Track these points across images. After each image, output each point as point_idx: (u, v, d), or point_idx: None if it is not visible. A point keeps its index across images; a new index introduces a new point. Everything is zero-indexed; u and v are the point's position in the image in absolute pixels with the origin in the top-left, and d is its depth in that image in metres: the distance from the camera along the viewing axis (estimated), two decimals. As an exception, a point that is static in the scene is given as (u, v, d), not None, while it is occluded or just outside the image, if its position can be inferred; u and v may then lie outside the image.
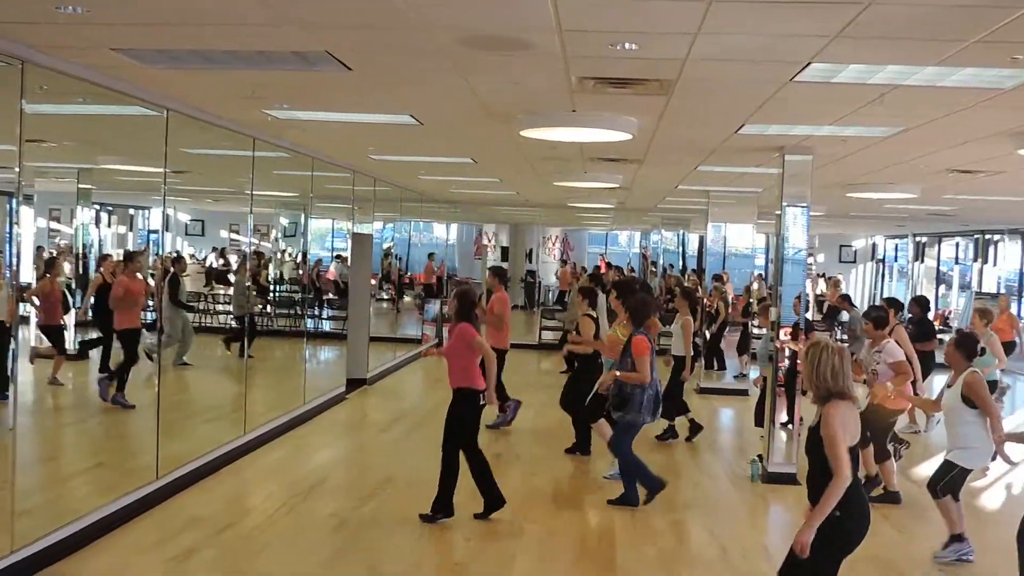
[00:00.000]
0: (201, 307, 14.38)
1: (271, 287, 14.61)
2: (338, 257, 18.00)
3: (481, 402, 7.32)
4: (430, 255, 22.95)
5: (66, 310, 9.10)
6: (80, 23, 5.03)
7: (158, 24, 5.14)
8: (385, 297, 18.25)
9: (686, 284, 18.91)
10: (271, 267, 14.78)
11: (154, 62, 6.04)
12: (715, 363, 15.65)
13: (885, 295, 28.57)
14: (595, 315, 9.96)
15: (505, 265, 32.54)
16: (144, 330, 9.00)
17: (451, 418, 7.32)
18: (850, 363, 4.57)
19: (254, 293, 12.62)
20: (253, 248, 13.60)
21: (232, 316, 12.97)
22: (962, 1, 4.13)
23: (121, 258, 10.05)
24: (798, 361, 9.27)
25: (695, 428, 10.91)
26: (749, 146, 8.89)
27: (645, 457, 8.50)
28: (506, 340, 11.07)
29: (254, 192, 9.90)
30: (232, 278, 13.80)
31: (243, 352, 11.55)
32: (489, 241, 32.60)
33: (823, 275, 27.83)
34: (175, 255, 13.10)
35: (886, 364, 8.09)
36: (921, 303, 11.09)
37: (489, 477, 7.44)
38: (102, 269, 9.63)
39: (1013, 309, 19.72)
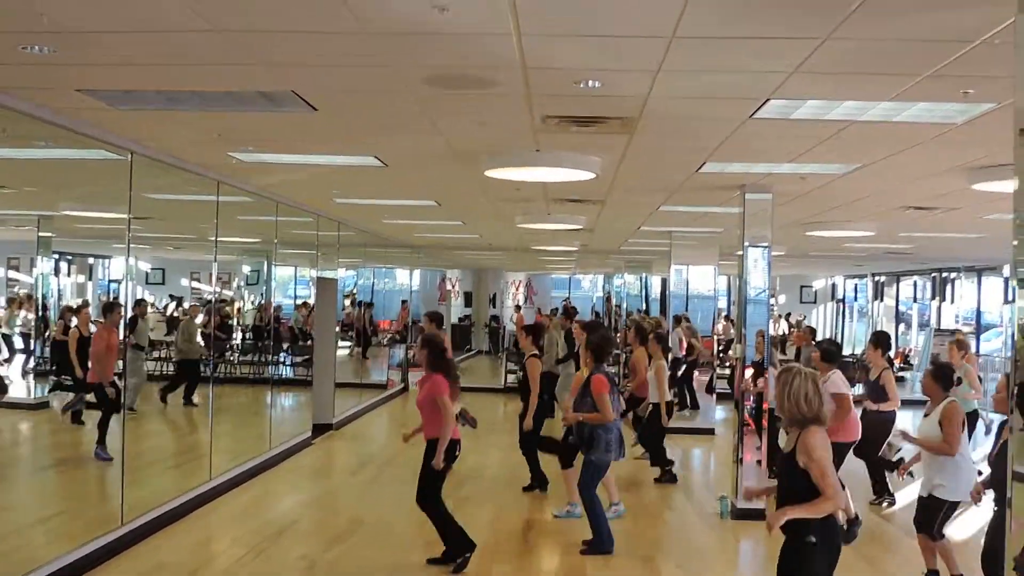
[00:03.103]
0: (163, 355, 14.25)
1: (232, 335, 14.51)
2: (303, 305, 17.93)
3: (456, 452, 7.14)
4: (403, 302, 22.85)
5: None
6: (45, 63, 5.02)
7: (124, 64, 5.15)
8: (347, 344, 18.08)
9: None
10: (234, 315, 14.71)
11: (120, 103, 6.05)
12: (688, 401, 15.74)
13: (845, 334, 28.95)
14: (540, 355, 10.18)
15: (468, 311, 32.60)
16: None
17: (425, 469, 7.06)
18: (821, 389, 4.60)
19: (199, 339, 12.44)
20: (216, 295, 13.52)
21: (173, 361, 12.82)
22: (914, 36, 4.26)
23: (99, 308, 9.93)
24: (764, 400, 9.42)
25: (670, 476, 10.91)
26: (711, 184, 9.02)
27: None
28: None
29: (218, 238, 9.85)
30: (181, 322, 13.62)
31: (187, 400, 11.44)
32: (453, 287, 32.62)
33: (787, 316, 28.12)
34: (137, 300, 13.02)
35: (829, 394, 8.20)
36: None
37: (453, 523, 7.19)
38: (76, 321, 9.48)
39: (972, 344, 20.05)
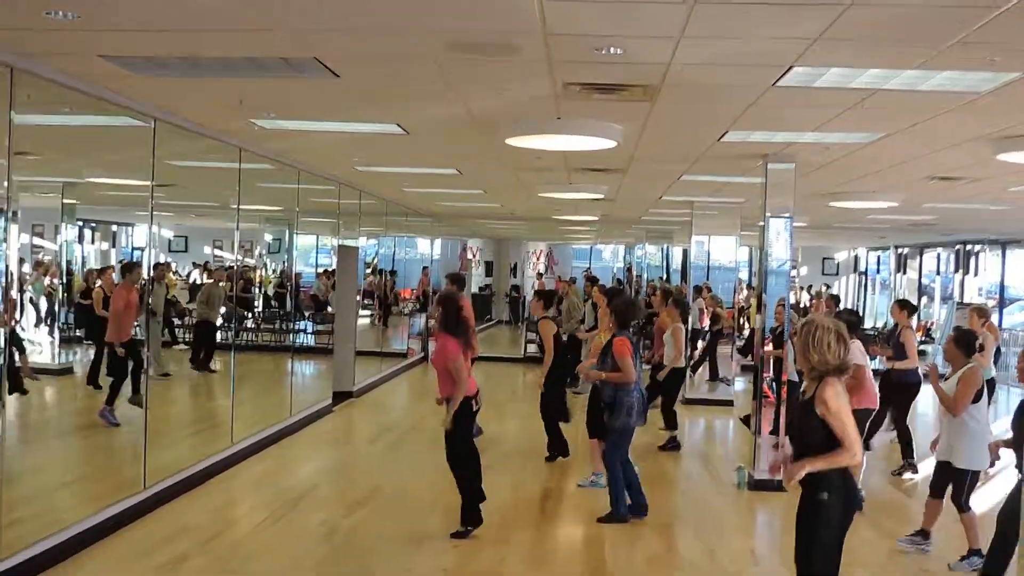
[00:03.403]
0: (187, 322, 14.35)
1: (254, 298, 14.59)
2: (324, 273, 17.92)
3: (475, 407, 7.20)
4: (424, 268, 22.86)
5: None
6: (68, 28, 5.04)
7: (146, 30, 5.17)
8: (367, 314, 18.12)
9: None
10: (256, 281, 14.77)
11: (142, 70, 6.06)
12: (710, 372, 15.71)
13: (867, 306, 28.81)
14: (552, 316, 10.31)
15: (489, 280, 32.63)
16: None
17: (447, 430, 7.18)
18: (846, 340, 4.57)
19: (221, 300, 12.50)
20: (239, 263, 13.57)
21: (194, 321, 12.88)
22: (941, 2, 4.21)
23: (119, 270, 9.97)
24: (783, 371, 9.41)
25: (674, 444, 10.96)
26: (732, 153, 8.97)
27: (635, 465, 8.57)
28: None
29: (240, 206, 9.89)
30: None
31: (206, 364, 11.49)
32: (473, 256, 32.63)
33: (808, 288, 27.98)
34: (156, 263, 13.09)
35: None
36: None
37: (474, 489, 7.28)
38: (101, 282, 9.55)
39: (994, 318, 19.92)
